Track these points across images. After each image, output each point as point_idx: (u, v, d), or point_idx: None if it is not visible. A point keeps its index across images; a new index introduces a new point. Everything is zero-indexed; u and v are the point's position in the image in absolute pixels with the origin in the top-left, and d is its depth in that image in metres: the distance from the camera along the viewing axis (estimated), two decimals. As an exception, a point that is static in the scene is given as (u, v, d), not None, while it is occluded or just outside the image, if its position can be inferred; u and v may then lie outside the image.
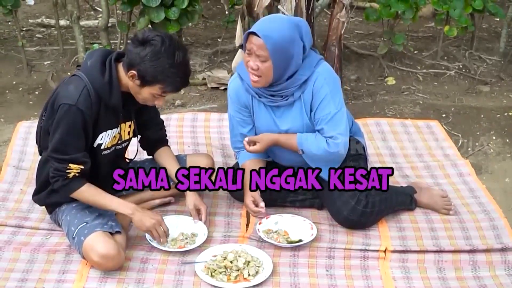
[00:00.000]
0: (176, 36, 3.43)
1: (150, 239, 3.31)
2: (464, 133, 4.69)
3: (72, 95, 3.05)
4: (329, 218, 3.59)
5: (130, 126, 3.37)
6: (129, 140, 3.44)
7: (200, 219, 3.43)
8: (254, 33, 3.18)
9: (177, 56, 3.02)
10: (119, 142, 3.34)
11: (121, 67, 3.12)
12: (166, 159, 3.53)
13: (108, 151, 3.29)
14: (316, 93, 3.31)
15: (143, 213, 3.25)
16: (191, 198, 3.45)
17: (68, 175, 3.13)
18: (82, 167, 3.14)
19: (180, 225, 3.46)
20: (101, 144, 3.22)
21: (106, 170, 3.33)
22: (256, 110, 3.48)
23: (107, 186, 3.31)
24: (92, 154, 3.20)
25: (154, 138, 3.56)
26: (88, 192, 3.20)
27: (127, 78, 3.09)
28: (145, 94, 3.11)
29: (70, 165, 3.11)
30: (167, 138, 3.63)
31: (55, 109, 3.10)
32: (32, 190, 3.49)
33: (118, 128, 3.28)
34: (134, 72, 3.03)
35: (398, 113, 4.99)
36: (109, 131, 3.23)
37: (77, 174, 3.14)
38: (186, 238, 3.37)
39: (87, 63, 3.13)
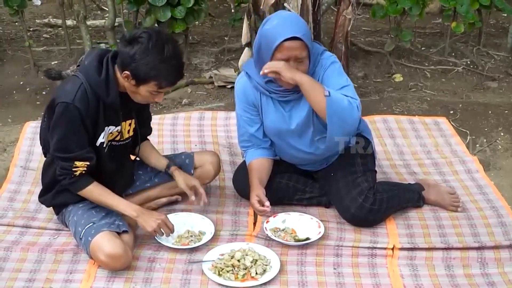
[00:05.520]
0: (165, 30, 3.41)
1: (155, 236, 3.32)
2: (472, 129, 4.67)
3: (69, 93, 3.06)
4: (337, 216, 3.59)
5: (130, 124, 3.36)
6: (129, 138, 3.41)
7: (199, 194, 3.43)
8: (290, 39, 3.14)
9: (166, 50, 3.00)
10: (117, 139, 3.31)
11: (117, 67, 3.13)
12: (151, 152, 3.58)
13: (106, 148, 3.27)
14: (324, 74, 3.31)
15: (148, 214, 3.26)
16: (181, 177, 3.45)
17: (75, 173, 3.14)
18: (88, 163, 3.15)
19: (188, 222, 3.47)
20: (103, 142, 3.22)
21: (110, 167, 3.33)
22: (265, 107, 3.47)
23: (111, 182, 3.31)
24: (95, 152, 3.20)
25: (145, 134, 3.57)
26: (95, 192, 3.21)
27: (123, 79, 3.09)
28: (142, 93, 3.10)
29: (76, 163, 3.12)
30: None
31: (53, 109, 3.10)
32: (39, 190, 3.49)
33: (119, 127, 3.28)
34: (127, 72, 3.03)
35: (405, 110, 4.98)
36: (110, 128, 3.23)
37: (83, 172, 3.15)
38: (192, 236, 3.38)
39: (84, 63, 3.14)
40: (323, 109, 3.17)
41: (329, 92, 3.15)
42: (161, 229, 3.24)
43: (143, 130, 3.51)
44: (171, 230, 3.28)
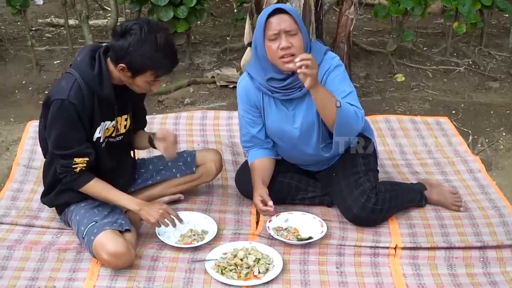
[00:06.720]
0: (153, 20, 3.44)
1: (158, 233, 3.33)
2: (474, 129, 4.68)
3: (63, 90, 3.07)
4: (339, 215, 3.59)
5: (126, 119, 3.37)
6: (125, 133, 3.40)
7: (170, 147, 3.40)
8: (276, 12, 3.20)
9: (159, 38, 3.02)
10: (113, 135, 3.32)
11: (110, 61, 3.13)
12: (139, 135, 3.56)
13: (103, 144, 3.28)
14: (328, 77, 3.31)
15: (150, 206, 3.27)
16: (160, 144, 3.43)
17: (75, 170, 3.15)
18: (87, 159, 3.15)
19: (191, 221, 3.47)
20: (100, 137, 3.22)
21: (109, 164, 3.33)
22: (267, 108, 3.47)
23: (112, 180, 3.30)
24: (93, 149, 3.20)
25: (141, 127, 3.59)
26: (97, 187, 3.23)
27: (117, 72, 3.10)
28: (139, 83, 3.12)
29: (75, 159, 3.13)
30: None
31: (49, 107, 3.11)
32: (42, 189, 3.50)
33: (114, 121, 3.28)
34: (122, 65, 3.04)
35: (407, 110, 4.99)
36: (106, 123, 3.24)
37: (84, 168, 3.16)
38: (195, 235, 3.38)
39: (77, 60, 3.15)
40: (332, 119, 3.17)
41: (339, 103, 3.15)
42: (165, 220, 3.25)
43: (139, 122, 3.53)
44: (175, 217, 3.29)
